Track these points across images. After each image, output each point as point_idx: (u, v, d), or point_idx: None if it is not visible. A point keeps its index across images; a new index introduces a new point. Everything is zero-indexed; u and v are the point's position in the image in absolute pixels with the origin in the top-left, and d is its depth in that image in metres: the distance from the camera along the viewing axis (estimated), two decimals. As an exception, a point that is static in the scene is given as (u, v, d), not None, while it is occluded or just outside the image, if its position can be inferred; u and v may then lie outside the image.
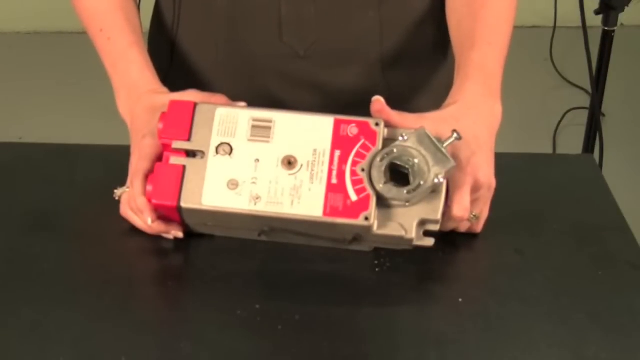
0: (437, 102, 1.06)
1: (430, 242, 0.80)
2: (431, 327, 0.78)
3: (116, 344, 0.76)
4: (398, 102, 1.06)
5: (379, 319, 0.79)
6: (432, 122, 0.82)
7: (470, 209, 0.82)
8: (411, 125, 0.81)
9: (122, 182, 0.88)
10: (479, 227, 0.87)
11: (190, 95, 0.87)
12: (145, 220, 0.83)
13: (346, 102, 1.03)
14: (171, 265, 0.87)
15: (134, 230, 0.87)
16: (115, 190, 0.88)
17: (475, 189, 0.82)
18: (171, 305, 0.83)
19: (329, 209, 0.78)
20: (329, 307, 0.80)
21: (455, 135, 0.80)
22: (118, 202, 0.88)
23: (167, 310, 0.82)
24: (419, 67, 1.07)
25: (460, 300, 0.81)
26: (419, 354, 0.76)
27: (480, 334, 0.78)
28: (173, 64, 1.07)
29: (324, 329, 0.78)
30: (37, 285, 0.83)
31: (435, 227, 0.80)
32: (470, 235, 0.88)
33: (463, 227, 0.86)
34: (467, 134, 0.81)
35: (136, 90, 0.91)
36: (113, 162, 0.90)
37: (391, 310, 0.80)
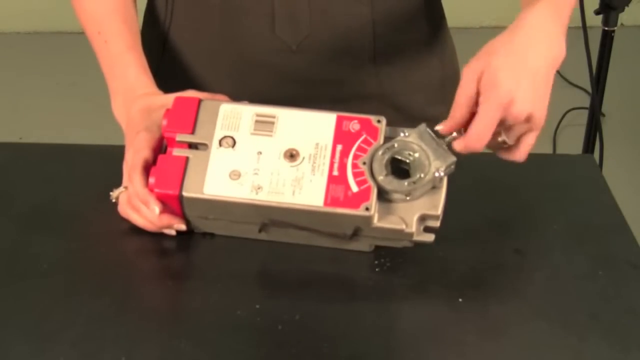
0: (429, 98, 1.07)
1: (430, 237, 0.80)
2: (431, 327, 0.79)
3: (116, 344, 0.76)
4: (390, 98, 1.06)
5: (379, 319, 0.79)
6: (488, 56, 0.79)
7: (504, 136, 0.80)
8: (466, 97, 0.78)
9: (121, 182, 0.88)
10: (515, 156, 0.82)
11: (191, 95, 0.87)
12: (152, 210, 0.83)
13: (338, 96, 1.04)
14: (171, 265, 0.87)
15: (134, 230, 0.87)
16: (111, 193, 0.88)
17: (508, 119, 0.78)
18: (171, 305, 0.83)
19: (329, 199, 0.79)
20: (329, 307, 0.80)
21: (455, 133, 0.80)
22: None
23: (167, 311, 0.82)
24: (411, 62, 1.07)
25: (460, 300, 0.81)
26: (418, 354, 0.76)
27: (480, 334, 0.78)
28: (164, 58, 1.07)
29: (324, 329, 0.78)
30: (37, 285, 0.83)
31: (436, 223, 0.81)
32: (470, 235, 0.88)
33: (498, 152, 0.83)
34: (515, 54, 0.78)
35: (132, 93, 0.91)
36: (113, 162, 0.90)
37: (391, 310, 0.80)
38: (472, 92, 0.79)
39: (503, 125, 0.79)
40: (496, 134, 0.80)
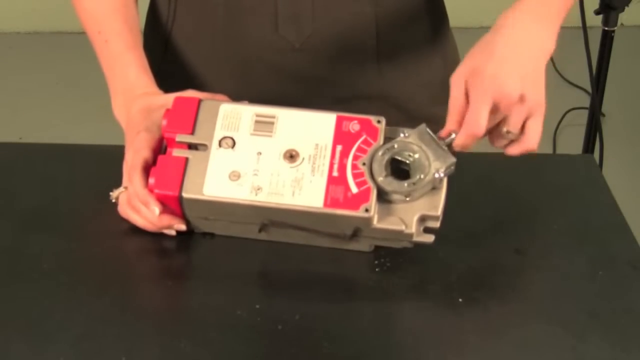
0: (431, 97, 1.07)
1: (430, 238, 0.80)
2: (431, 327, 0.79)
3: (116, 344, 0.76)
4: (393, 97, 1.06)
5: (379, 319, 0.79)
6: (470, 59, 0.81)
7: (504, 125, 0.81)
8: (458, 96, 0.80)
9: (121, 182, 0.88)
10: (526, 145, 0.83)
11: (191, 95, 0.87)
12: (152, 211, 0.83)
13: (341, 96, 1.04)
14: (171, 265, 0.87)
15: (134, 230, 0.87)
16: (111, 193, 0.88)
17: (502, 103, 0.79)
18: (171, 305, 0.83)
19: (329, 200, 0.79)
20: (329, 307, 0.80)
21: (453, 135, 0.80)
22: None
23: (167, 311, 0.82)
24: (415, 61, 1.07)
25: (460, 300, 0.81)
26: (418, 354, 0.76)
27: (480, 334, 0.78)
28: (166, 58, 1.07)
29: (324, 329, 0.78)
30: (37, 285, 0.83)
31: (436, 224, 0.81)
32: (470, 235, 0.88)
33: (498, 144, 0.84)
34: (496, 49, 0.80)
35: (132, 92, 0.91)
36: (113, 162, 0.90)
37: (391, 310, 0.80)
38: (462, 97, 0.80)
39: (500, 114, 0.80)
40: (499, 125, 0.81)
